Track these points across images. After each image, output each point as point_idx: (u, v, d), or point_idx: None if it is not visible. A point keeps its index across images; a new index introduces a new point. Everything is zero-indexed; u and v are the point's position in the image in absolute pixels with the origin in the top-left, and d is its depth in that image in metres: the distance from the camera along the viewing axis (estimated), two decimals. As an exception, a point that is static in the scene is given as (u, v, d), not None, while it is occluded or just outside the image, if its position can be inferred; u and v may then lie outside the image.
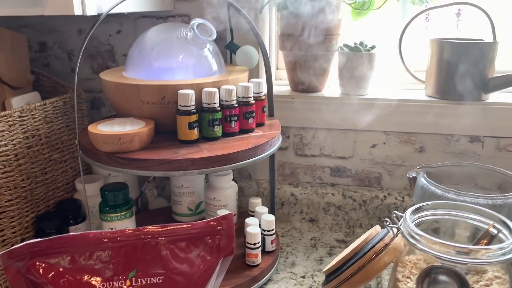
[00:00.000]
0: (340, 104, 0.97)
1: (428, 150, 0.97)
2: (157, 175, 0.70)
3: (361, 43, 0.96)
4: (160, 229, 0.57)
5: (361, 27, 1.03)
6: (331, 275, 0.66)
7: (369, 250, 0.62)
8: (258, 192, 1.05)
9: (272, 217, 0.83)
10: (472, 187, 0.82)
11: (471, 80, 0.90)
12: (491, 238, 0.58)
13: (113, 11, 0.74)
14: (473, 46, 0.90)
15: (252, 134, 0.81)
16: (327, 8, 0.93)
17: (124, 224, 0.80)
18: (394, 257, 0.63)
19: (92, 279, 0.54)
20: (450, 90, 0.93)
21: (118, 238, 0.56)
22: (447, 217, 0.64)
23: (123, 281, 0.54)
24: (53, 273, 0.54)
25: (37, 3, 0.69)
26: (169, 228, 0.57)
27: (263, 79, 0.87)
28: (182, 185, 0.91)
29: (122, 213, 0.80)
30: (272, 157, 0.92)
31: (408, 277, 0.60)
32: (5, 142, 0.77)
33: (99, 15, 0.73)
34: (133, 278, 0.55)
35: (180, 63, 0.81)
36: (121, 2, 0.74)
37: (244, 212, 0.96)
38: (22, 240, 0.81)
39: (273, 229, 0.84)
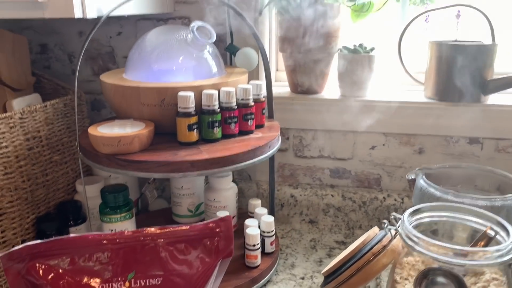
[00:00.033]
0: (340, 106, 0.97)
1: (427, 152, 0.97)
2: (156, 176, 0.71)
3: (361, 45, 0.96)
4: (159, 231, 0.57)
5: (360, 29, 1.03)
6: (330, 276, 0.66)
7: (367, 252, 0.62)
8: (258, 194, 1.05)
9: (271, 219, 0.84)
10: (471, 188, 0.82)
11: (470, 81, 0.91)
12: (489, 240, 0.59)
13: (113, 14, 0.74)
14: (472, 48, 0.90)
15: (251, 136, 0.81)
16: (326, 10, 0.93)
17: (124, 225, 0.80)
18: (392, 258, 0.63)
19: (91, 280, 0.54)
20: (449, 92, 0.93)
21: (117, 240, 0.56)
22: (444, 219, 0.65)
23: (122, 283, 0.55)
24: (52, 274, 0.54)
25: (38, 6, 0.69)
26: (168, 230, 0.58)
27: (262, 81, 0.87)
28: (182, 187, 0.91)
29: (122, 215, 0.80)
30: (271, 158, 0.92)
31: (406, 279, 0.60)
32: (6, 144, 0.77)
33: (99, 18, 0.73)
34: (132, 280, 0.55)
35: (180, 65, 0.81)
36: (121, 4, 0.74)
37: (244, 213, 0.96)
38: (22, 241, 0.82)
39: (272, 231, 0.84)
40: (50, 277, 0.54)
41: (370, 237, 0.65)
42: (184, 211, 0.93)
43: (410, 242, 0.58)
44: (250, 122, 0.81)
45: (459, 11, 1.00)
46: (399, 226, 0.62)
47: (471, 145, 0.94)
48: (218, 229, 0.59)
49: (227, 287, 0.74)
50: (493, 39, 0.93)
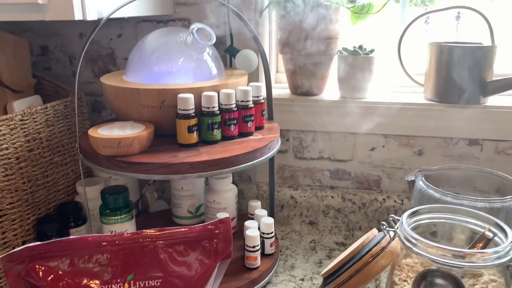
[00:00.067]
0: (340, 107, 0.97)
1: (427, 153, 0.97)
2: (156, 178, 0.71)
3: (360, 47, 0.97)
4: (158, 233, 0.58)
5: (360, 31, 1.03)
6: (329, 278, 0.66)
7: (366, 253, 0.63)
8: (258, 195, 1.05)
9: (271, 220, 0.84)
10: (470, 190, 0.82)
11: (469, 83, 0.91)
12: (487, 242, 0.59)
13: (113, 16, 0.75)
14: (471, 50, 0.90)
15: (251, 137, 0.81)
16: (326, 12, 0.94)
17: (124, 227, 0.81)
18: (391, 260, 0.63)
19: (90, 282, 0.55)
20: (449, 93, 0.93)
21: (117, 242, 0.56)
22: (443, 220, 0.65)
23: (121, 284, 0.55)
24: (52, 276, 0.54)
25: (38, 9, 0.70)
26: (167, 231, 0.58)
27: (262, 83, 0.88)
28: (182, 188, 0.91)
29: (122, 216, 0.80)
30: (271, 160, 0.93)
31: (405, 281, 0.60)
32: (6, 145, 0.78)
33: (99, 20, 0.73)
34: (132, 281, 0.55)
35: (180, 67, 0.82)
36: (121, 7, 0.75)
37: (244, 214, 0.96)
38: (23, 243, 0.82)
39: (272, 232, 0.84)
40: (50, 278, 0.54)
41: (369, 238, 0.65)
42: (184, 212, 0.93)
43: (408, 244, 0.58)
44: (249, 124, 0.81)
45: (459, 13, 1.00)
46: (397, 228, 0.62)
47: (471, 147, 0.94)
48: (217, 231, 0.59)
49: (226, 289, 0.74)
50: (493, 41, 0.93)
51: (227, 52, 0.97)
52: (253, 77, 1.00)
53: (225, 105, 0.78)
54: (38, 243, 0.55)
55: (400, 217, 0.63)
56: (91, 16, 0.73)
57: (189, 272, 0.56)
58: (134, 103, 0.77)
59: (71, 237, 0.57)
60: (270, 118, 0.93)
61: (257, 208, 0.90)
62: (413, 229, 0.62)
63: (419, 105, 0.94)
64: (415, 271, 0.59)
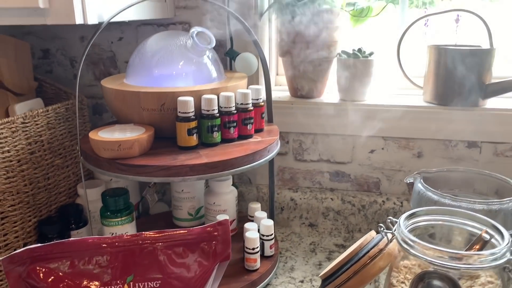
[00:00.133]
0: (339, 110, 0.97)
1: (426, 156, 0.97)
2: (156, 180, 0.71)
3: (360, 50, 0.97)
4: (157, 235, 0.58)
5: (360, 34, 1.04)
6: (327, 279, 0.67)
7: (364, 255, 0.63)
8: (258, 197, 1.06)
9: (271, 222, 0.84)
10: (469, 192, 0.82)
11: (468, 86, 0.91)
12: (484, 244, 0.59)
13: (114, 19, 0.75)
14: (470, 53, 0.91)
15: (250, 140, 0.82)
16: (325, 15, 0.94)
17: (125, 229, 0.81)
18: (389, 262, 0.64)
19: (90, 283, 0.55)
20: (448, 96, 0.93)
21: (117, 244, 0.57)
22: (440, 222, 0.65)
23: (121, 286, 0.55)
24: (53, 277, 0.55)
25: (40, 13, 0.70)
26: (166, 233, 0.58)
27: (262, 86, 0.88)
28: (182, 190, 0.92)
29: (123, 218, 0.81)
30: (271, 162, 0.93)
31: (402, 282, 0.61)
32: (8, 148, 0.78)
33: (100, 23, 0.74)
34: (131, 283, 0.56)
35: (180, 71, 0.82)
36: (122, 11, 0.75)
37: (244, 216, 0.97)
38: (24, 245, 0.83)
39: (272, 234, 0.85)
40: (50, 280, 0.55)
41: (367, 240, 0.66)
42: (185, 214, 0.93)
43: (406, 246, 0.59)
44: (249, 127, 0.82)
45: (458, 15, 1.00)
46: (395, 230, 0.62)
47: (470, 149, 0.95)
48: (215, 233, 0.59)
49: (226, 290, 0.75)
50: (491, 44, 0.94)
51: (227, 55, 0.98)
52: (253, 80, 1.00)
53: (225, 107, 0.79)
54: (39, 245, 0.56)
55: (397, 219, 0.63)
56: (92, 20, 0.73)
57: (188, 274, 0.57)
58: (134, 106, 0.77)
59: (71, 239, 0.58)
60: (270, 120, 0.93)
61: (257, 210, 0.90)
62: (411, 231, 0.63)
63: (418, 108, 0.95)
64: (412, 272, 0.60)
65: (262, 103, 0.86)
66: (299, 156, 1.05)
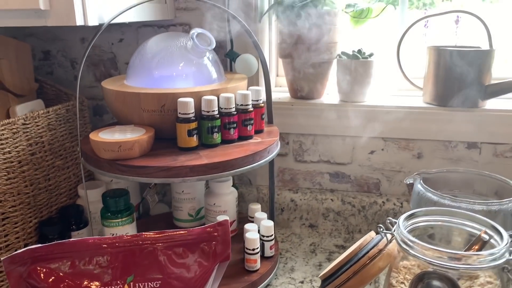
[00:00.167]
0: (339, 111, 0.98)
1: (426, 156, 0.98)
2: (156, 181, 0.71)
3: (359, 51, 0.97)
4: (157, 235, 0.58)
5: (360, 35, 1.04)
6: (327, 280, 0.67)
7: (363, 256, 0.63)
8: (258, 198, 1.06)
9: (271, 223, 0.84)
10: (469, 193, 0.82)
11: (468, 87, 0.91)
12: (483, 244, 0.59)
13: (115, 21, 0.76)
14: (470, 54, 0.91)
15: (250, 141, 0.82)
16: (325, 17, 0.95)
17: (125, 229, 0.81)
18: (388, 262, 0.64)
19: (91, 283, 0.55)
20: (447, 97, 0.94)
21: (117, 244, 0.57)
22: (439, 223, 0.65)
23: (121, 286, 0.56)
24: (53, 277, 0.55)
25: (41, 15, 0.71)
26: (166, 234, 0.59)
27: (262, 87, 0.88)
28: (182, 191, 0.92)
29: (123, 219, 0.81)
30: (271, 163, 0.93)
31: (402, 282, 0.61)
32: (9, 149, 0.79)
33: (101, 25, 0.74)
34: (131, 283, 0.56)
35: (180, 72, 0.82)
36: (122, 12, 0.76)
37: (244, 217, 0.97)
38: (25, 245, 0.83)
39: (272, 235, 0.85)
40: (51, 280, 0.55)
41: (366, 241, 0.66)
42: (185, 215, 0.94)
43: (405, 246, 0.59)
44: (249, 128, 0.82)
45: (458, 17, 1.01)
46: (394, 231, 0.63)
47: (470, 150, 0.95)
48: (215, 233, 0.60)
49: (226, 291, 0.75)
50: (491, 45, 0.94)
51: (227, 56, 0.98)
52: (253, 81, 1.01)
53: (225, 109, 0.79)
54: (40, 245, 0.56)
55: (397, 220, 0.64)
56: (92, 22, 0.74)
57: (188, 274, 0.57)
58: (134, 107, 0.78)
59: (72, 239, 0.58)
60: (270, 121, 0.93)
61: (257, 211, 0.90)
62: (410, 231, 0.63)
63: (418, 109, 0.95)
64: (412, 273, 0.60)
65: (262, 104, 0.86)
66: (299, 157, 1.05)
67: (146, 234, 0.59)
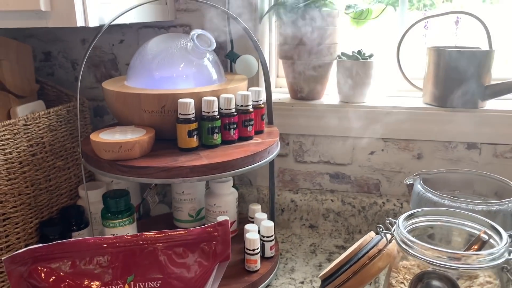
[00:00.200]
0: (339, 111, 0.98)
1: (426, 157, 0.98)
2: (157, 182, 0.72)
3: (359, 52, 0.98)
4: (157, 235, 0.59)
5: (360, 36, 1.04)
6: (327, 280, 0.67)
7: (363, 256, 0.63)
8: (258, 199, 1.06)
9: (271, 224, 0.84)
10: (469, 193, 0.83)
11: (468, 87, 0.92)
12: (482, 244, 0.59)
13: (115, 22, 0.76)
14: (469, 54, 0.91)
15: (251, 141, 0.82)
16: (325, 18, 0.95)
17: (126, 230, 0.82)
18: (388, 262, 0.64)
19: (91, 283, 0.56)
20: (447, 98, 0.94)
21: (117, 244, 0.57)
22: (439, 223, 0.65)
23: (121, 285, 0.56)
24: (54, 277, 0.55)
25: (42, 16, 0.71)
26: (166, 234, 0.59)
27: (262, 88, 0.89)
28: (183, 192, 0.92)
29: (124, 220, 0.81)
30: (271, 164, 0.93)
31: (401, 282, 0.61)
32: (9, 150, 0.79)
33: (101, 26, 0.75)
34: (132, 283, 0.56)
35: (181, 73, 0.83)
36: (123, 13, 0.76)
37: (244, 218, 0.97)
38: (26, 246, 0.83)
39: (272, 235, 0.85)
40: (51, 280, 0.55)
41: (366, 241, 0.66)
42: (185, 216, 0.94)
43: (404, 246, 0.59)
44: (249, 128, 0.82)
45: (458, 18, 1.01)
46: (394, 231, 0.63)
47: (469, 151, 0.95)
48: (215, 233, 0.60)
49: (226, 291, 0.75)
50: (490, 46, 0.94)
51: (227, 57, 0.98)
52: (253, 82, 1.01)
53: (225, 109, 0.79)
54: (41, 245, 0.56)
55: (397, 219, 0.64)
56: (93, 23, 0.74)
57: (188, 274, 0.57)
58: (135, 108, 0.78)
59: (73, 239, 0.58)
60: (270, 122, 0.94)
61: (258, 212, 0.91)
62: (410, 231, 0.63)
63: (418, 109, 0.95)
64: (411, 273, 0.60)
65: (262, 105, 0.86)
66: (299, 158, 1.05)
67: (147, 234, 0.59)
